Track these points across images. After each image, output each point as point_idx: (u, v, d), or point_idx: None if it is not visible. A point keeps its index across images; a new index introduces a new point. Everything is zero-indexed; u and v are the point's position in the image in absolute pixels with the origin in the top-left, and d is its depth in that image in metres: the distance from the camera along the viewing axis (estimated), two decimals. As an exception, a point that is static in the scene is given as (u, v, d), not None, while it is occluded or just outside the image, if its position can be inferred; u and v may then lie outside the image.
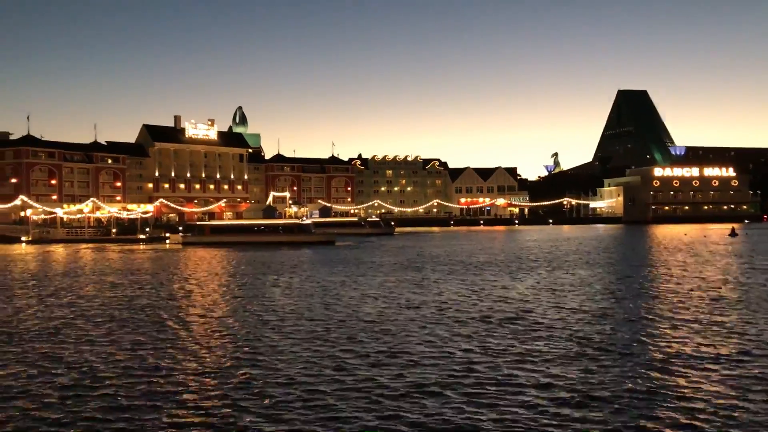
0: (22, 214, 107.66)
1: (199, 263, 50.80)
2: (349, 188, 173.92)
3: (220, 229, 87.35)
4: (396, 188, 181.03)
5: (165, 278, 38.74)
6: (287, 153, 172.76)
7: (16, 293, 32.19)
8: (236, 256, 58.72)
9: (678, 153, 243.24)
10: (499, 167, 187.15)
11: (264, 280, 36.75)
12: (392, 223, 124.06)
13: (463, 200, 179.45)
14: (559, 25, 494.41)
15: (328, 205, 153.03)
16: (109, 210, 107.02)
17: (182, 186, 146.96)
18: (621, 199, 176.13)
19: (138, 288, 33.66)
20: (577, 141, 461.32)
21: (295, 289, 31.90)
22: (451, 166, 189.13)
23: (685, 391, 13.41)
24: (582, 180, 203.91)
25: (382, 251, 62.95)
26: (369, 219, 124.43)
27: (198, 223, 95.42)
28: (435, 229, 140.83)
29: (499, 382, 14.35)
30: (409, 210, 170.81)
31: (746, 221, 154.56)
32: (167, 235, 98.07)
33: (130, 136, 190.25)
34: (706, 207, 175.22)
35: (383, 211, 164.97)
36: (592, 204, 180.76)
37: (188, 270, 44.49)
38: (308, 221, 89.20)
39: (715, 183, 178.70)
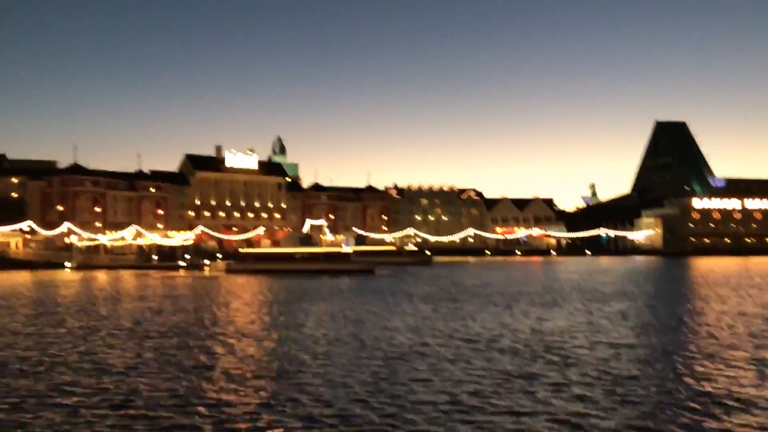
0: (67, 240, 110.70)
1: (237, 290, 51.71)
2: (384, 217, 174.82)
3: (262, 257, 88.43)
4: (431, 217, 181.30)
5: (204, 305, 39.66)
6: (324, 182, 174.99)
7: (64, 318, 33.35)
8: (277, 283, 59.51)
9: (718, 185, 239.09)
10: (536, 198, 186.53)
11: (301, 307, 37.41)
12: (426, 252, 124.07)
13: (498, 230, 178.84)
14: (596, 55, 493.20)
15: (364, 233, 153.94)
16: (151, 237, 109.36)
17: (222, 214, 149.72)
18: (659, 230, 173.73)
19: (174, 314, 34.56)
20: (614, 172, 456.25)
21: (332, 319, 32.46)
22: (486, 196, 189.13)
23: None
24: (619, 211, 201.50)
25: (423, 281, 63.03)
26: (407, 248, 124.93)
27: (241, 250, 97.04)
28: (470, 259, 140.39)
29: (528, 415, 14.60)
30: (444, 239, 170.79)
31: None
32: (206, 262, 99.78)
33: (172, 165, 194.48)
34: (747, 239, 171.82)
35: (419, 240, 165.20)
36: (630, 235, 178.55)
37: (228, 297, 45.41)
38: (349, 250, 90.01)
39: (757, 215, 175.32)
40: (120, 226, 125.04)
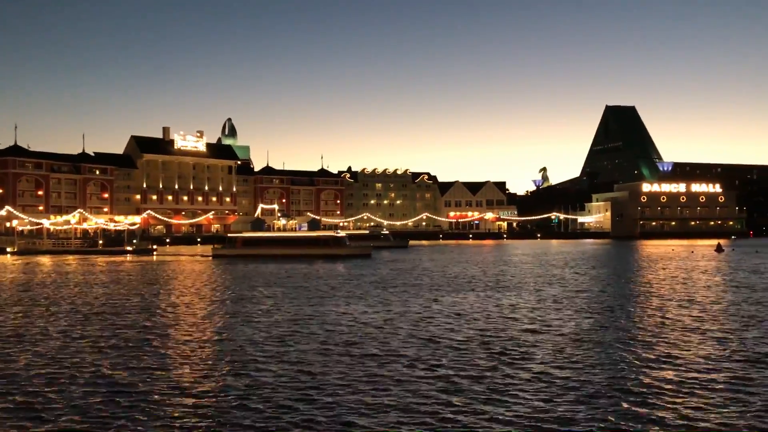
0: (8, 224, 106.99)
1: (182, 276, 50.44)
2: (338, 201, 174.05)
3: (253, 241, 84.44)
4: (385, 201, 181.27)
5: (142, 292, 38.49)
6: (276, 165, 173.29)
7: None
8: (269, 270, 58.13)
9: (666, 169, 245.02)
10: (488, 181, 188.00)
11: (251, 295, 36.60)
12: (387, 236, 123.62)
13: (452, 214, 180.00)
14: (547, 40, 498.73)
15: (317, 217, 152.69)
16: (96, 221, 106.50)
17: (170, 198, 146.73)
18: (609, 214, 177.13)
19: (120, 301, 33.41)
20: (565, 156, 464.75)
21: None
22: (440, 179, 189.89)
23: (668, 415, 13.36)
24: (570, 195, 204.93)
25: (422, 264, 62.12)
26: (382, 232, 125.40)
27: (230, 234, 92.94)
28: (424, 242, 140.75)
29: (461, 413, 14.23)
30: (398, 223, 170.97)
31: (733, 237, 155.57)
32: (155, 247, 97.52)
33: (118, 147, 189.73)
34: (693, 223, 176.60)
35: (372, 224, 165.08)
36: (581, 219, 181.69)
37: (172, 283, 44.20)
38: (342, 234, 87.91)
39: (702, 199, 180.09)
40: (64, 210, 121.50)
